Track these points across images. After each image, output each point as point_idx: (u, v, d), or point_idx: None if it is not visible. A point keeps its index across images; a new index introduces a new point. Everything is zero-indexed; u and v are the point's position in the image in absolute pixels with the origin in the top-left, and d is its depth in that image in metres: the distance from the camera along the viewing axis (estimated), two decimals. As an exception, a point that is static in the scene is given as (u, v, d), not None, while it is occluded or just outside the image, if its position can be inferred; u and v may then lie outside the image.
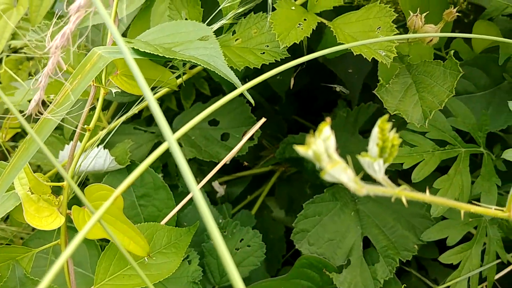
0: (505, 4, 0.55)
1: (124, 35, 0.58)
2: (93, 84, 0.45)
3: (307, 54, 0.60)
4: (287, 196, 0.75)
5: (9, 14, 0.73)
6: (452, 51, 0.50)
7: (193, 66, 0.58)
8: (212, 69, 0.40)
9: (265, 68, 0.50)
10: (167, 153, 0.73)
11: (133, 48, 0.39)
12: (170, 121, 0.68)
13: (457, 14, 0.47)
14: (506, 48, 0.56)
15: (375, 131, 0.25)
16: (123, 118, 0.54)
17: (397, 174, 0.65)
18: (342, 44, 0.44)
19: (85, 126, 0.44)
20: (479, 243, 0.56)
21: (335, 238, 0.59)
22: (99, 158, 0.58)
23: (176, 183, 0.69)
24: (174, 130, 0.67)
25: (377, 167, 0.25)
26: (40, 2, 0.69)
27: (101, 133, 0.57)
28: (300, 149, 0.23)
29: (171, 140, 0.25)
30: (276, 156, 0.70)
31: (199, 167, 0.71)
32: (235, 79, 0.42)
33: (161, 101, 0.74)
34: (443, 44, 0.59)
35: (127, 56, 0.24)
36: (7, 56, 0.77)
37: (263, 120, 0.55)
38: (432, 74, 0.50)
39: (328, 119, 0.24)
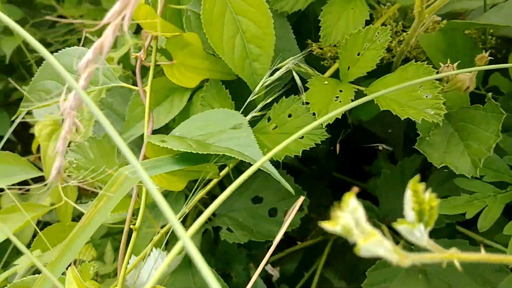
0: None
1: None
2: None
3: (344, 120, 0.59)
4: (345, 264, 0.71)
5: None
6: (490, 94, 0.47)
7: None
8: (247, 161, 0.39)
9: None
10: (213, 241, 0.72)
11: (163, 161, 0.40)
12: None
13: (490, 57, 0.45)
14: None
15: (408, 194, 0.22)
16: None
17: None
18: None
19: (132, 226, 0.44)
20: None
21: (405, 306, 0.54)
22: (157, 261, 0.57)
23: (229, 272, 0.67)
24: (216, 217, 0.66)
25: (418, 234, 0.23)
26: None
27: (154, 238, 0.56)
28: (327, 226, 0.22)
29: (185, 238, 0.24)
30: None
31: (248, 253, 0.68)
32: (273, 170, 0.41)
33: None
34: (479, 82, 0.57)
35: (150, 186, 0.24)
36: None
37: (302, 198, 0.53)
38: (474, 120, 0.47)
39: (355, 189, 0.22)
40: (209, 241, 0.71)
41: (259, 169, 0.66)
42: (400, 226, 0.23)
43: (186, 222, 0.71)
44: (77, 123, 0.25)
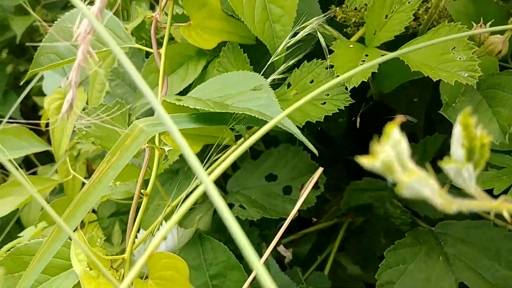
0: None
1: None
2: (146, 146, 0.43)
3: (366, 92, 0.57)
4: (360, 249, 0.68)
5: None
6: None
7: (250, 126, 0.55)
8: (268, 120, 0.37)
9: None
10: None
11: (179, 118, 0.38)
12: (223, 185, 0.65)
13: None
14: None
15: (458, 130, 0.20)
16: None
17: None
18: (418, 72, 0.40)
19: (142, 191, 0.42)
20: None
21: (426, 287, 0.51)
22: (168, 235, 0.55)
23: (240, 252, 0.65)
24: (229, 194, 0.64)
25: (466, 175, 0.20)
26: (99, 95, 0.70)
27: (167, 208, 0.54)
28: (365, 161, 0.19)
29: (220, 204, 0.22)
30: (342, 206, 0.64)
31: (261, 233, 0.66)
32: (294, 129, 0.38)
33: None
34: (509, 55, 0.54)
35: (173, 130, 0.22)
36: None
37: (321, 169, 0.51)
38: (504, 86, 0.45)
39: (399, 118, 0.19)
40: (221, 220, 0.69)
41: (273, 146, 0.64)
42: (447, 166, 0.20)
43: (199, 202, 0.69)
44: (91, 51, 0.23)
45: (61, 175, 0.74)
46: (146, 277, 0.39)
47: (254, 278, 0.57)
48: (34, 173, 0.90)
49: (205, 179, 0.23)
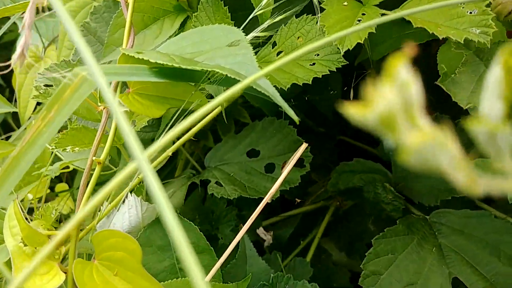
0: None
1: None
2: (103, 107, 0.37)
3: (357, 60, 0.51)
4: (347, 235, 0.63)
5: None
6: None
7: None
8: (242, 79, 0.32)
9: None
10: (201, 198, 0.64)
11: (136, 69, 0.32)
12: (202, 160, 0.60)
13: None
14: None
15: (495, 74, 0.14)
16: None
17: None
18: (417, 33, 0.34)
19: (95, 158, 0.36)
20: None
21: (416, 281, 0.47)
22: (131, 209, 0.50)
23: (215, 233, 0.59)
24: (206, 170, 0.58)
25: (503, 141, 0.14)
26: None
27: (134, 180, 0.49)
28: (354, 112, 0.14)
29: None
30: (329, 188, 0.59)
31: (239, 214, 0.61)
32: (271, 90, 0.32)
33: (197, 138, 0.66)
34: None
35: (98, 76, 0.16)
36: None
37: (305, 145, 0.45)
38: None
39: (410, 46, 0.14)
40: (197, 198, 0.64)
41: (257, 119, 0.59)
42: (476, 128, 0.14)
43: (175, 172, 0.64)
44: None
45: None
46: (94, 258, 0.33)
47: (225, 263, 0.52)
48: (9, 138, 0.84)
49: (139, 155, 0.18)
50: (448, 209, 0.51)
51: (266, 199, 0.46)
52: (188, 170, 0.59)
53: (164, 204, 0.17)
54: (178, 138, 0.47)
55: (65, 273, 0.34)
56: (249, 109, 0.62)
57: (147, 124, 0.46)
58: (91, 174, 0.36)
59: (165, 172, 0.67)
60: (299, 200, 0.56)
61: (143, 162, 0.18)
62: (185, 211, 0.61)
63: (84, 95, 0.26)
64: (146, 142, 0.58)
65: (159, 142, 0.20)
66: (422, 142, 0.14)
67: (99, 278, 0.32)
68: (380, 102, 0.14)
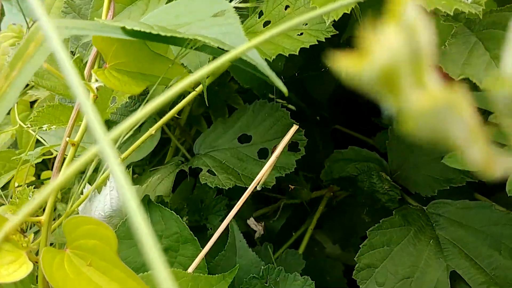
0: None
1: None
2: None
3: (346, 32, 0.48)
4: (341, 227, 0.61)
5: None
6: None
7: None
8: (227, 49, 0.29)
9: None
10: (191, 187, 0.62)
11: (108, 27, 0.29)
12: (190, 145, 0.57)
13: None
14: None
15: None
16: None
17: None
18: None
19: (68, 139, 0.34)
20: None
21: (412, 274, 0.44)
22: (112, 191, 0.47)
23: (204, 223, 0.57)
24: (196, 157, 0.55)
25: None
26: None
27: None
28: (347, 65, 0.11)
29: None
30: (322, 177, 0.57)
31: (229, 204, 0.58)
32: (259, 60, 0.30)
33: (189, 125, 0.64)
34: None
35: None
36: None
37: (296, 126, 0.43)
38: (505, 25, 0.37)
39: None
40: (188, 187, 0.61)
41: (248, 102, 0.56)
42: (497, 90, 0.12)
43: (165, 160, 0.61)
44: None
45: (13, 123, 0.65)
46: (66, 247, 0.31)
47: (214, 255, 0.50)
48: None
49: (101, 138, 0.16)
50: (446, 200, 0.49)
51: (254, 184, 0.43)
52: (177, 157, 0.57)
53: (126, 189, 0.15)
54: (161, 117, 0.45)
55: (37, 263, 0.31)
56: (242, 94, 0.60)
57: (131, 103, 0.43)
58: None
59: (155, 160, 0.65)
60: (292, 187, 0.54)
61: (105, 145, 0.16)
62: (174, 200, 0.58)
63: (48, 50, 0.24)
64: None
65: (126, 123, 0.18)
66: (431, 106, 0.11)
67: (70, 268, 0.30)
68: (381, 51, 0.11)
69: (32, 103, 0.71)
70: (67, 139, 0.33)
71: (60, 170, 0.33)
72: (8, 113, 0.70)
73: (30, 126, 0.41)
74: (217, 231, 0.39)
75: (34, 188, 0.47)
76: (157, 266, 0.13)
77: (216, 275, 0.39)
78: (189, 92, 0.45)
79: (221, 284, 0.39)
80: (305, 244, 0.59)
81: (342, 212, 0.62)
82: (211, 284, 0.38)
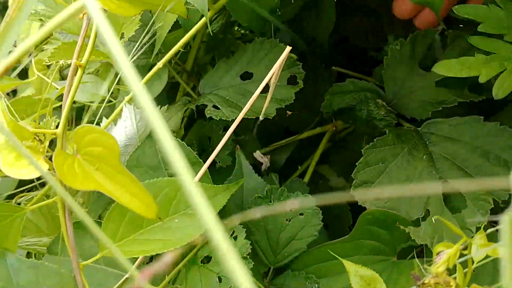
0: None
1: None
2: (83, 14, 0.38)
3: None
4: (344, 160, 0.64)
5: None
6: None
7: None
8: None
9: None
10: (202, 127, 0.65)
11: None
12: (196, 85, 0.61)
13: None
14: None
15: None
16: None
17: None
18: None
19: (76, 61, 0.37)
20: None
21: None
22: (126, 120, 0.50)
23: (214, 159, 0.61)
24: (201, 96, 0.59)
25: None
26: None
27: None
28: None
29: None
30: (323, 110, 0.59)
31: (236, 139, 0.62)
32: None
33: (198, 74, 0.67)
34: None
35: None
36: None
37: (289, 48, 0.45)
38: None
39: None
40: (196, 129, 0.65)
41: (248, 41, 0.59)
42: None
43: (172, 103, 0.65)
44: None
45: (31, 76, 0.70)
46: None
47: (222, 181, 0.54)
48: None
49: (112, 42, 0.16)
50: (438, 119, 0.51)
51: (246, 108, 0.46)
52: (184, 97, 0.60)
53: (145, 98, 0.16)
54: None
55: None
56: (244, 37, 0.63)
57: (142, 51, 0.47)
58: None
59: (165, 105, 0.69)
60: (290, 113, 0.56)
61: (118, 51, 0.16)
62: (186, 138, 0.62)
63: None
64: (142, 70, 0.59)
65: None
66: None
67: (80, 169, 0.33)
68: None
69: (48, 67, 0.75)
70: (75, 60, 0.37)
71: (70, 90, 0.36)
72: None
73: (48, 61, 0.45)
74: (220, 142, 0.42)
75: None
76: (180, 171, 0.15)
77: (219, 185, 0.43)
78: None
79: (225, 193, 0.42)
80: (309, 176, 0.62)
81: (345, 147, 0.65)
82: (214, 193, 0.42)
